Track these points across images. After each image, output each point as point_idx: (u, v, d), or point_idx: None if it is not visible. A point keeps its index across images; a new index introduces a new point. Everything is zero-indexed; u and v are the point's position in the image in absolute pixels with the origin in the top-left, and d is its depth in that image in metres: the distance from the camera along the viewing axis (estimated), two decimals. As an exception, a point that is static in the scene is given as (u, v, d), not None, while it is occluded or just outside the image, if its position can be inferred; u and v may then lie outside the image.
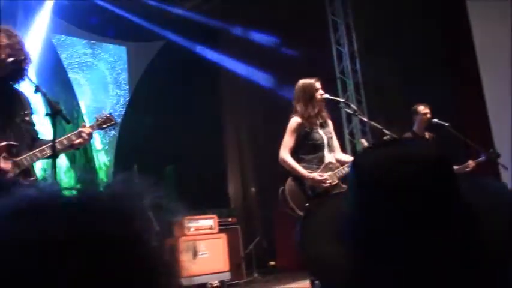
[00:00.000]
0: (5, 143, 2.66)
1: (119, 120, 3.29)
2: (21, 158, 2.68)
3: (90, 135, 2.92)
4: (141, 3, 9.19)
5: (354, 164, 0.90)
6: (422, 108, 5.69)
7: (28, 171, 2.73)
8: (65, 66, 9.29)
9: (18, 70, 2.72)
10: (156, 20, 9.77)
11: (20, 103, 2.83)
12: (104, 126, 3.11)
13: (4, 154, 2.62)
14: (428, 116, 5.66)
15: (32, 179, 2.73)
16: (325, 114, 4.24)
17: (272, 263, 7.85)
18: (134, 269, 0.49)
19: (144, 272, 0.50)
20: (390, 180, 0.81)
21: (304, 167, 4.03)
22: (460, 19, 6.87)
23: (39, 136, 2.94)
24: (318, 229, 0.93)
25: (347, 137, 7.89)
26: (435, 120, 5.62)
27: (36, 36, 8.56)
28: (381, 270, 0.80)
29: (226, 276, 6.94)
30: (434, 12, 7.14)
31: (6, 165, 2.59)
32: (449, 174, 0.84)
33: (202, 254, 6.81)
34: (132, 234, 0.51)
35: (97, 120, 3.10)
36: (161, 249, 0.53)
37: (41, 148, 2.73)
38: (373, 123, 4.74)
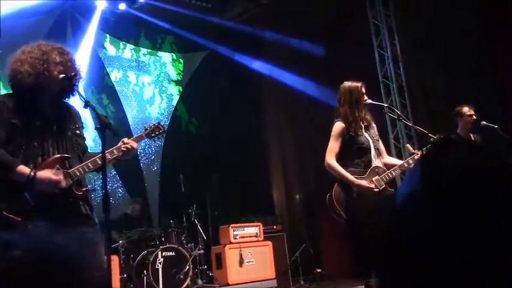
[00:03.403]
0: (59, 155, 2.77)
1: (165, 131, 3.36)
2: (73, 169, 2.78)
3: (134, 145, 2.99)
4: (185, 15, 9.38)
5: (425, 162, 0.91)
6: (467, 110, 5.44)
7: (80, 182, 2.83)
8: (112, 79, 9.57)
9: (69, 86, 2.82)
10: (198, 31, 9.94)
11: (71, 117, 2.94)
12: (153, 134, 3.20)
13: (57, 166, 2.74)
14: (474, 117, 5.41)
15: (84, 189, 2.83)
16: (369, 117, 4.20)
17: (318, 270, 7.78)
18: None
19: None
20: (452, 181, 0.83)
21: (351, 172, 3.98)
22: (506, 19, 6.68)
23: (88, 149, 3.05)
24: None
25: (392, 141, 7.78)
26: (484, 122, 5.39)
27: (84, 50, 8.87)
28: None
29: (273, 283, 6.96)
30: (479, 12, 6.95)
31: (59, 176, 2.70)
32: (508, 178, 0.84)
33: (248, 262, 6.85)
34: None
35: (145, 129, 3.18)
36: None
37: (92, 159, 2.83)
38: (418, 127, 4.65)
